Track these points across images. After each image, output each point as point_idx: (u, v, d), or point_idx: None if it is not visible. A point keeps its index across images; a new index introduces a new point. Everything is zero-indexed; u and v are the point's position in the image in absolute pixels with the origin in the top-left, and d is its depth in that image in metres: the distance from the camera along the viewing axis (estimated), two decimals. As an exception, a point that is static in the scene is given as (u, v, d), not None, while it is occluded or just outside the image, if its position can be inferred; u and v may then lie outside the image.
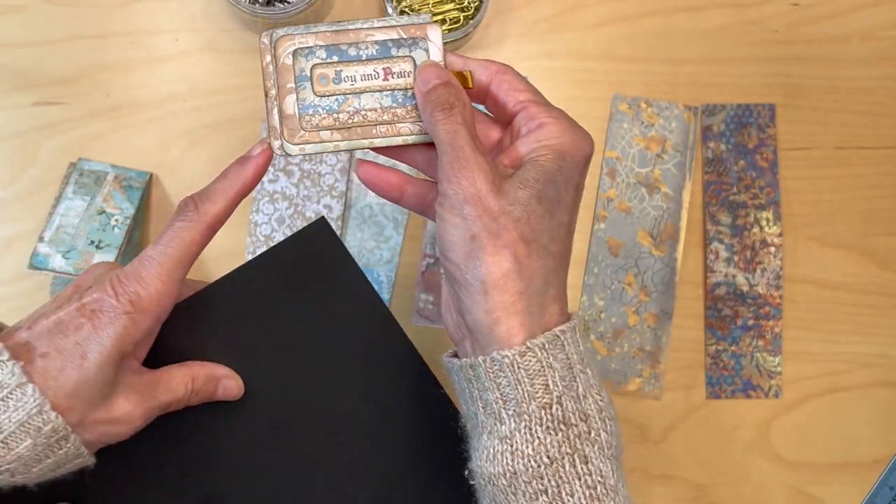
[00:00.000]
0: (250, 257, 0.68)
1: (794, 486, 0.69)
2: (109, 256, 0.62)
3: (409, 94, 0.47)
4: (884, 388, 0.70)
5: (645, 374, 0.69)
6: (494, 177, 0.42)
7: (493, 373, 0.42)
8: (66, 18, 0.70)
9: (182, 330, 0.49)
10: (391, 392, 0.52)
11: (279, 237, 0.68)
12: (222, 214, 0.46)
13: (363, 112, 0.47)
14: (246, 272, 0.51)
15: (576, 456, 0.41)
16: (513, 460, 0.41)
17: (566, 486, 0.40)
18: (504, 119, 0.47)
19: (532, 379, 0.41)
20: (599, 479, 0.41)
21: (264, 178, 0.65)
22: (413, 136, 0.47)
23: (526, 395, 0.41)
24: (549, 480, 0.40)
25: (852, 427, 0.70)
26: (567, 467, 0.40)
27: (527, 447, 0.41)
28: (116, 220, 0.64)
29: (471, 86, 0.46)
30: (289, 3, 0.66)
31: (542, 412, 0.41)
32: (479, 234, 0.42)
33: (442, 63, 0.47)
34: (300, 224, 0.68)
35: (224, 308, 0.51)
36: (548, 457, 0.40)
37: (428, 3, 0.68)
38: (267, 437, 0.51)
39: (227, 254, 0.67)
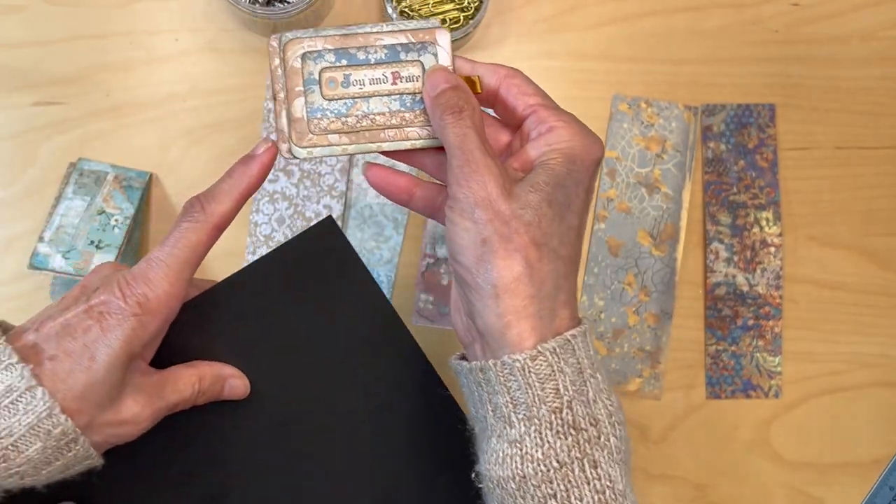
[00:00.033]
0: (250, 257, 0.68)
1: (794, 486, 0.69)
2: (109, 256, 0.62)
3: (418, 98, 0.47)
4: (884, 388, 0.70)
5: (645, 374, 0.69)
6: (504, 180, 0.42)
7: (503, 376, 0.42)
8: (66, 18, 0.70)
9: (189, 329, 0.49)
10: (396, 392, 0.52)
11: (279, 237, 0.68)
12: (228, 214, 0.46)
13: (371, 116, 0.47)
14: (253, 271, 0.51)
15: (585, 461, 0.41)
16: (522, 464, 0.41)
17: (575, 490, 0.40)
18: (513, 123, 0.47)
19: (543, 383, 0.41)
20: (608, 483, 0.41)
21: (264, 178, 0.65)
22: (421, 141, 0.47)
23: (536, 399, 0.41)
24: (558, 485, 0.40)
25: (852, 427, 0.70)
26: (576, 472, 0.40)
27: (536, 451, 0.41)
28: (116, 220, 0.64)
29: (479, 90, 0.46)
30: (289, 2, 0.66)
31: (553, 416, 0.41)
32: (490, 237, 0.42)
33: (451, 67, 0.47)
34: (300, 224, 0.68)
35: (231, 307, 0.51)
36: (557, 461, 0.40)
37: (428, 3, 0.68)
38: (272, 436, 0.51)
39: (227, 254, 0.67)
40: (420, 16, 0.68)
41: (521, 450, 0.41)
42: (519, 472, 0.41)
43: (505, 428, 0.42)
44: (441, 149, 0.46)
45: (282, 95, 0.47)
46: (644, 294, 0.70)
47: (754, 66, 0.72)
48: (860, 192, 0.72)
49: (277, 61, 0.47)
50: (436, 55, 0.47)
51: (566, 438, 0.41)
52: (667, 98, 0.72)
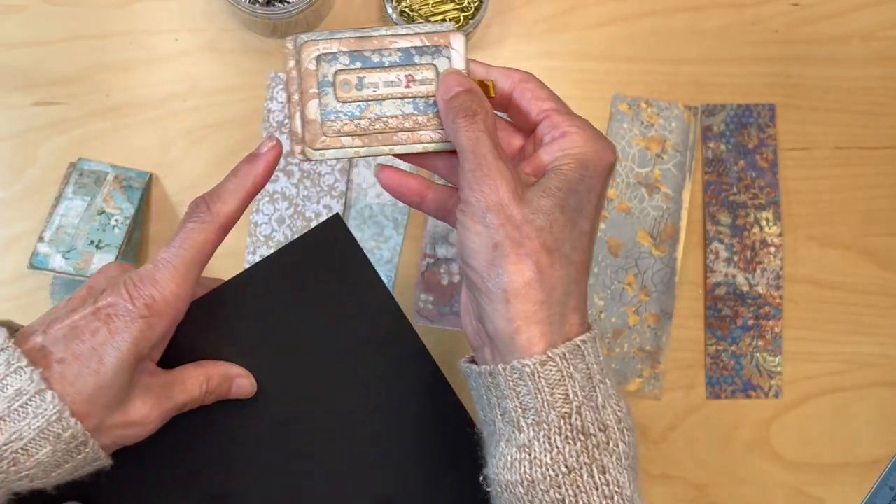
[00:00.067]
0: (250, 257, 0.68)
1: (794, 486, 0.69)
2: (109, 256, 0.62)
3: (431, 101, 0.47)
4: (884, 388, 0.70)
5: (645, 374, 0.69)
6: (517, 185, 0.42)
7: (512, 381, 0.42)
8: (66, 18, 0.70)
9: (196, 328, 0.49)
10: (401, 393, 0.52)
11: (279, 237, 0.68)
12: (234, 214, 0.46)
13: (384, 119, 0.47)
14: (260, 270, 0.51)
15: (594, 466, 0.41)
16: (531, 469, 0.41)
17: (583, 495, 0.40)
18: (526, 127, 0.47)
19: (552, 388, 0.41)
20: (616, 489, 0.41)
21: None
22: (433, 144, 0.47)
23: (545, 404, 0.41)
24: (566, 490, 0.40)
25: (852, 427, 0.70)
26: (585, 477, 0.40)
27: (545, 456, 0.41)
28: (116, 220, 0.64)
29: (493, 95, 0.46)
30: (289, 2, 0.66)
31: (562, 422, 0.41)
32: (502, 242, 0.41)
33: (465, 71, 0.47)
34: (300, 224, 0.68)
35: (238, 306, 0.51)
36: (566, 466, 0.40)
37: (428, 3, 0.68)
38: (277, 435, 0.51)
39: (227, 254, 0.67)
40: (420, 16, 0.68)
41: (529, 454, 0.41)
42: (527, 476, 0.41)
43: (514, 432, 0.42)
44: (453, 152, 0.46)
45: (296, 97, 0.47)
46: (644, 294, 0.70)
47: (754, 66, 0.72)
48: (860, 192, 0.72)
49: (293, 63, 0.47)
50: (450, 59, 0.47)
51: (575, 444, 0.41)
52: (667, 98, 0.72)
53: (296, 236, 0.68)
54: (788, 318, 0.70)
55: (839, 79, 0.73)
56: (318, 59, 0.46)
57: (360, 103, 0.47)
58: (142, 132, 0.69)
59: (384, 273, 0.68)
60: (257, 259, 0.68)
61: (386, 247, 0.69)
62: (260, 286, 0.51)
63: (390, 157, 0.49)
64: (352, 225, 0.69)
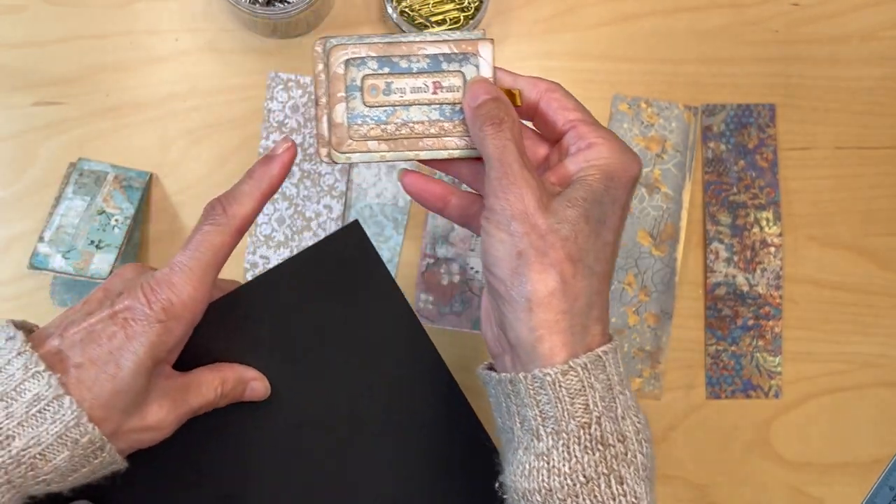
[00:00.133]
0: (250, 257, 0.68)
1: (794, 486, 0.69)
2: (109, 256, 0.62)
3: (457, 108, 0.47)
4: (884, 388, 0.70)
5: (645, 374, 0.69)
6: (542, 194, 0.43)
7: (533, 390, 0.42)
8: (66, 18, 0.70)
9: (212, 330, 0.49)
10: (414, 400, 0.52)
11: (279, 237, 0.68)
12: (250, 216, 0.46)
13: (411, 124, 0.47)
14: (277, 274, 0.51)
15: (612, 476, 0.41)
16: (549, 477, 0.41)
17: None
18: (552, 137, 0.47)
19: (573, 398, 0.41)
20: (633, 500, 0.41)
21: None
22: (458, 151, 0.48)
23: (566, 413, 0.41)
24: (584, 499, 0.40)
25: (852, 427, 0.70)
26: (602, 487, 0.41)
27: (564, 465, 0.41)
28: (116, 220, 0.64)
29: (519, 103, 0.47)
30: (289, 2, 0.66)
31: (581, 431, 0.41)
32: (526, 251, 0.42)
33: (492, 79, 0.47)
34: (300, 224, 0.68)
35: (254, 309, 0.51)
36: (584, 476, 0.41)
37: (428, 3, 0.68)
38: (289, 438, 0.51)
39: (227, 254, 0.67)
40: (420, 16, 0.68)
41: (548, 463, 0.41)
42: (545, 485, 0.41)
43: (532, 441, 0.42)
44: (478, 158, 0.46)
45: (324, 100, 0.47)
46: (644, 294, 0.70)
47: (754, 66, 0.72)
48: (860, 192, 0.72)
49: (321, 66, 0.47)
50: (477, 66, 0.47)
51: (594, 454, 0.41)
52: (667, 98, 0.72)
53: (296, 236, 0.69)
54: (788, 318, 0.70)
55: (839, 79, 0.73)
56: (347, 63, 0.47)
57: (387, 108, 0.47)
58: (142, 132, 0.69)
59: (384, 273, 0.68)
60: (257, 259, 0.68)
61: (386, 247, 0.69)
62: (277, 290, 0.51)
63: (414, 162, 0.49)
64: (352, 225, 0.69)
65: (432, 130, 0.47)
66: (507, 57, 0.71)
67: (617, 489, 0.41)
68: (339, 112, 0.47)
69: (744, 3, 0.73)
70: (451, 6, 0.69)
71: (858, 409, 0.70)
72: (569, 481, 0.41)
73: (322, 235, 0.68)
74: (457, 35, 0.47)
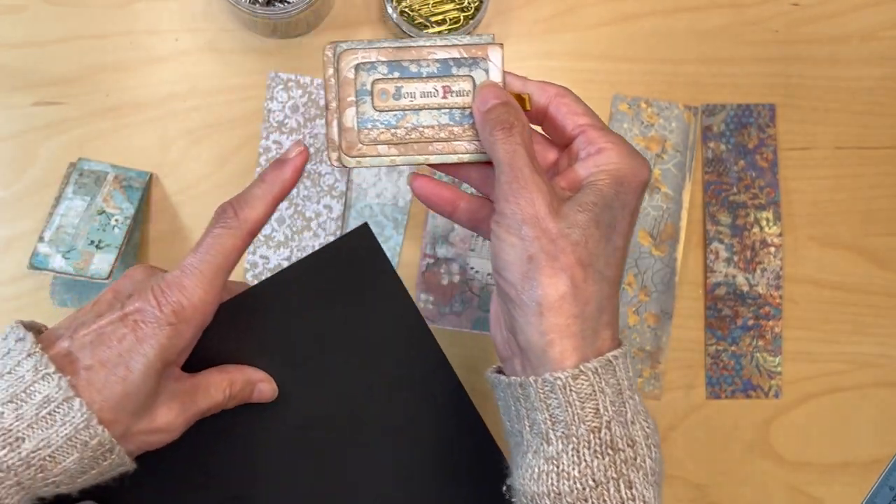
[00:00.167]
0: (250, 257, 0.68)
1: (794, 486, 0.69)
2: (109, 256, 0.62)
3: (467, 112, 0.47)
4: (884, 388, 0.70)
5: (645, 374, 0.69)
6: (552, 199, 0.43)
7: (543, 393, 0.42)
8: (66, 18, 0.70)
9: (221, 331, 0.49)
10: (421, 404, 0.52)
11: (279, 237, 0.68)
12: (262, 219, 0.46)
13: (420, 128, 0.47)
14: (287, 276, 0.51)
15: (621, 481, 0.41)
16: (558, 481, 0.41)
17: None
18: (561, 141, 0.47)
19: (583, 402, 0.41)
20: None
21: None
22: (468, 155, 0.48)
23: (576, 417, 0.41)
24: (593, 503, 0.41)
25: (852, 427, 0.70)
26: (611, 491, 0.41)
27: (573, 469, 0.41)
28: (116, 220, 0.64)
29: (529, 108, 0.47)
30: (289, 2, 0.66)
31: (591, 436, 0.41)
32: (537, 255, 0.42)
33: (501, 84, 0.47)
34: (300, 224, 0.69)
35: (263, 311, 0.51)
36: (593, 480, 0.41)
37: (428, 3, 0.68)
38: (296, 439, 0.51)
39: (227, 254, 0.67)
40: (420, 16, 0.68)
41: (557, 467, 0.41)
42: (554, 488, 0.41)
43: (542, 444, 0.42)
44: (487, 163, 0.47)
45: (334, 105, 0.47)
46: (644, 294, 0.70)
47: (754, 66, 0.72)
48: (860, 192, 0.72)
49: (331, 71, 0.47)
50: (487, 71, 0.47)
51: (603, 458, 0.41)
52: (667, 98, 0.72)
53: (295, 236, 0.69)
54: (788, 318, 0.71)
55: (839, 79, 0.73)
56: (357, 67, 0.47)
57: (397, 112, 0.47)
58: (142, 132, 0.69)
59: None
60: (257, 259, 0.68)
61: (386, 247, 0.69)
62: (286, 292, 0.51)
63: (424, 166, 0.49)
64: (352, 225, 0.69)
65: (442, 135, 0.47)
66: (507, 57, 0.71)
67: (626, 493, 0.41)
68: (350, 116, 0.47)
69: (744, 3, 0.73)
70: (451, 6, 0.69)
71: (858, 409, 0.70)
72: (578, 485, 0.41)
73: (322, 235, 0.68)
74: (466, 39, 0.47)
